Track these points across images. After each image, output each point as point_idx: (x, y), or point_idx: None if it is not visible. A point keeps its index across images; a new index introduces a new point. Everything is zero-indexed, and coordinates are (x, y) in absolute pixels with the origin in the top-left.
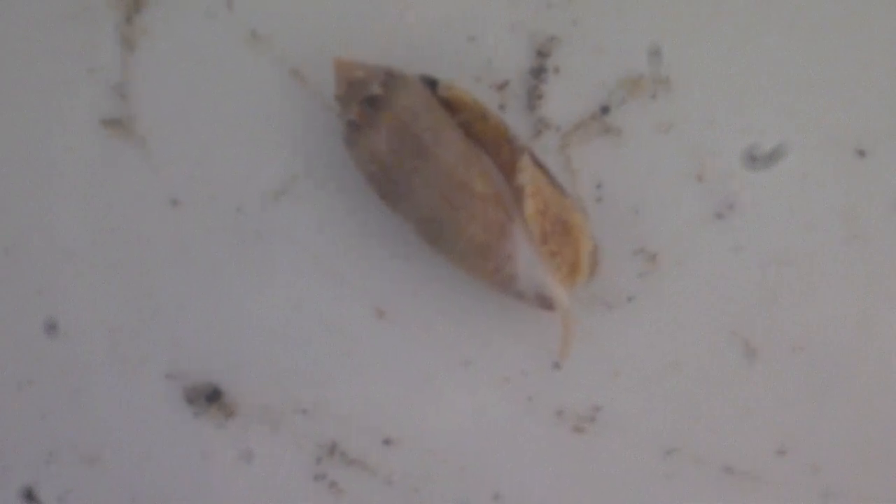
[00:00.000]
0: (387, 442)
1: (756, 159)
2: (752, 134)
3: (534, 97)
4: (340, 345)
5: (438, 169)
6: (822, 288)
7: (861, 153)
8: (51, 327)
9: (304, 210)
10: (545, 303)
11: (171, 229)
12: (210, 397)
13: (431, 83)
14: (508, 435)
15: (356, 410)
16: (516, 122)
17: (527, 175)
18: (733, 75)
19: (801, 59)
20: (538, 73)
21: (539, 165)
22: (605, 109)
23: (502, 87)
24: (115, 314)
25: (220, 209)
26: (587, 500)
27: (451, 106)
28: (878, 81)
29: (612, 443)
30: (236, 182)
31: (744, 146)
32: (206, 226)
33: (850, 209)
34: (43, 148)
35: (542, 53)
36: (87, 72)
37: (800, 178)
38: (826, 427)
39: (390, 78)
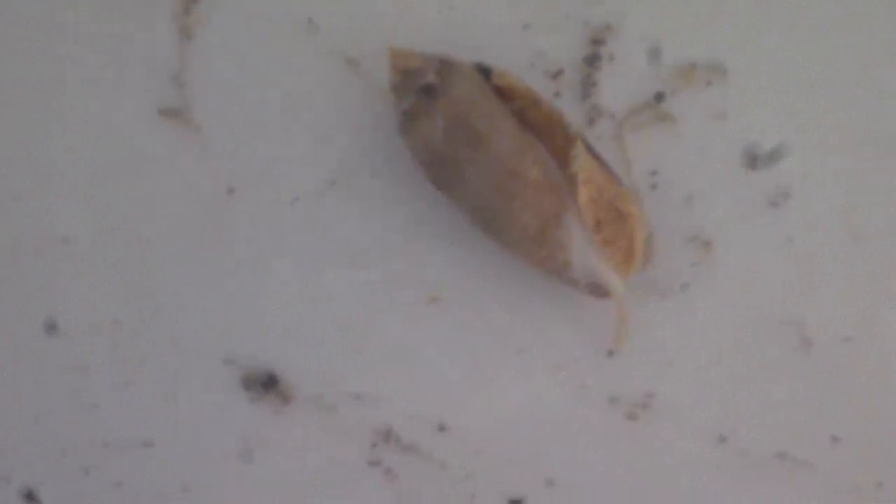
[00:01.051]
0: (441, 428)
1: (757, 159)
2: (752, 134)
3: (588, 85)
4: (395, 331)
5: (492, 157)
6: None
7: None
8: (51, 327)
9: (359, 199)
10: (599, 291)
11: (227, 217)
12: (266, 384)
13: (486, 71)
14: (562, 422)
15: (411, 397)
16: (570, 110)
17: (580, 163)
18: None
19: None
20: (592, 61)
21: (593, 153)
22: (659, 97)
23: (556, 75)
24: (169, 302)
25: (276, 198)
26: (640, 487)
27: (505, 94)
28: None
29: (664, 430)
30: (291, 171)
31: (744, 146)
32: (262, 214)
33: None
34: (102, 136)
35: (596, 41)
36: (144, 61)
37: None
38: (879, 416)
39: (445, 66)
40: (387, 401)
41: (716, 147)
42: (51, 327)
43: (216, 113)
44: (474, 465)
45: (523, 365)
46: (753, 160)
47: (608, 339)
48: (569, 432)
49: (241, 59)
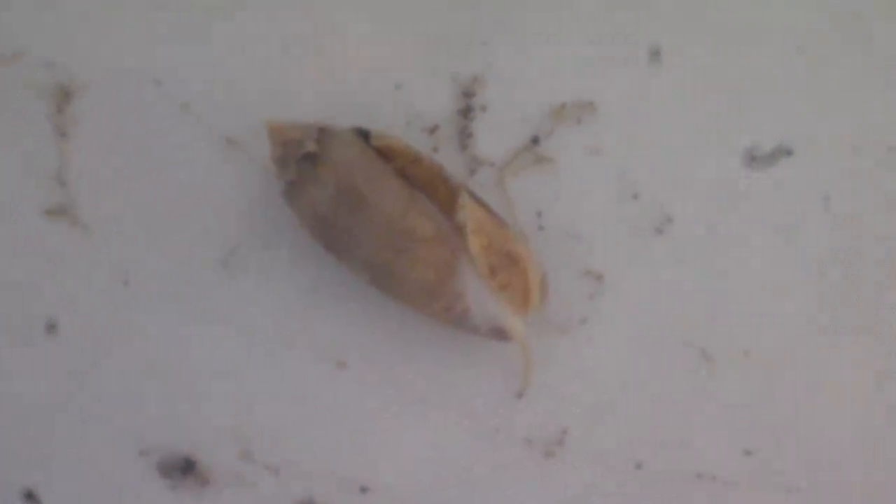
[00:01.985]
0: (363, 490)
1: (756, 159)
2: (752, 134)
3: (464, 136)
4: (306, 401)
5: (380, 217)
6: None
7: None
8: (51, 327)
9: (255, 274)
10: (501, 334)
11: (124, 308)
12: (184, 469)
13: (364, 134)
14: (482, 468)
15: (330, 463)
16: (451, 162)
17: (467, 212)
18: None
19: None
20: (466, 112)
21: (478, 201)
22: (535, 140)
23: (433, 130)
24: (79, 396)
25: (171, 283)
26: None
27: (385, 154)
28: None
29: (583, 462)
30: (184, 255)
31: (744, 146)
32: (159, 301)
33: None
34: None
35: (467, 94)
36: (22, 164)
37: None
38: (786, 424)
39: (323, 134)
40: (306, 470)
41: (595, 181)
42: (51, 327)
43: (102, 206)
44: None
45: (436, 417)
46: (633, 191)
47: (515, 381)
48: (491, 478)
49: (120, 151)
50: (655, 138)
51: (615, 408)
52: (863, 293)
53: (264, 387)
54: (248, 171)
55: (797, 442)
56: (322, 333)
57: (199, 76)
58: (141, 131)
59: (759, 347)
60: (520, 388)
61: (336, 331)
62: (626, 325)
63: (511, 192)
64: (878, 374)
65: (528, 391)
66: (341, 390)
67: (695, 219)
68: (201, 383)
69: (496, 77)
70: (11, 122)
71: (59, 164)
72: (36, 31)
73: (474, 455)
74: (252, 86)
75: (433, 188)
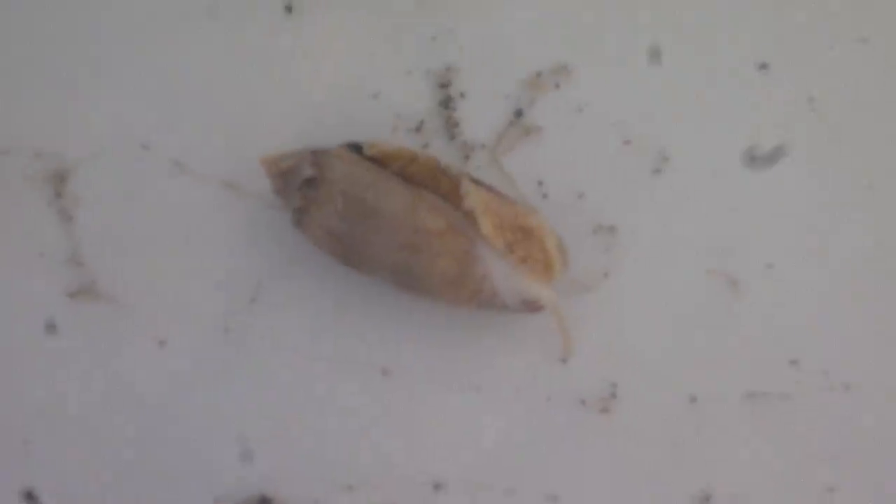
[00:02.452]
0: (437, 487)
1: (756, 159)
2: (752, 134)
3: (451, 126)
4: (359, 413)
5: (390, 221)
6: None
7: None
8: (51, 327)
9: (285, 303)
10: (532, 306)
11: (162, 370)
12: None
13: (356, 147)
14: (544, 437)
15: (398, 468)
16: (444, 154)
17: (472, 198)
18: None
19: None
20: (446, 103)
21: (480, 185)
22: (518, 113)
23: (419, 128)
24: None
25: (207, 335)
26: (633, 470)
27: (381, 161)
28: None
29: (639, 410)
30: (213, 306)
31: (744, 146)
32: (197, 356)
33: None
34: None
35: (443, 84)
36: (37, 255)
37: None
38: (824, 326)
39: (317, 156)
40: (377, 481)
41: (585, 137)
42: (51, 327)
43: (122, 277)
44: None
45: (490, 401)
46: (626, 138)
47: (556, 348)
48: (555, 445)
49: (127, 221)
50: (635, 84)
51: (656, 350)
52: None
53: (318, 407)
54: (255, 210)
55: (839, 338)
56: (360, 345)
57: (182, 128)
58: (141, 196)
59: (781, 259)
60: (562, 353)
61: (373, 340)
62: (647, 269)
63: (508, 169)
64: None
65: (570, 354)
66: (392, 396)
67: (691, 152)
68: (263, 423)
69: (469, 61)
70: (16, 214)
71: (71, 247)
72: (19, 124)
73: (534, 427)
74: (235, 127)
75: (435, 183)
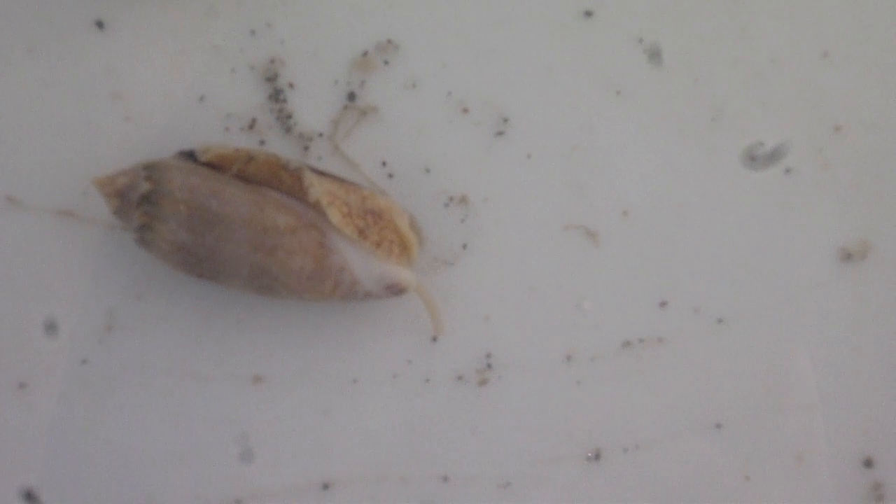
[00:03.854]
0: (325, 487)
1: (756, 159)
2: (752, 134)
3: (284, 118)
4: (236, 424)
5: (238, 225)
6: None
7: None
8: (51, 327)
9: (141, 328)
10: (396, 289)
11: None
12: None
13: (190, 155)
14: (429, 420)
15: (290, 476)
16: (282, 148)
17: (316, 189)
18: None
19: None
20: (276, 96)
21: (323, 174)
22: (351, 96)
23: (252, 125)
24: None
25: (66, 373)
26: (519, 439)
27: (218, 166)
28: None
29: (517, 376)
30: (67, 336)
31: (744, 146)
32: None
33: None
34: None
35: (269, 78)
36: None
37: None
38: (697, 264)
39: (151, 169)
40: (274, 487)
41: (423, 111)
42: (51, 327)
43: None
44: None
45: (369, 392)
46: (462, 109)
47: (427, 328)
48: (440, 427)
49: None
50: (466, 51)
51: (526, 314)
52: None
53: (191, 424)
54: (96, 235)
55: (705, 275)
56: (229, 356)
57: (11, 166)
58: None
59: (635, 204)
60: (433, 331)
61: (242, 349)
62: (504, 234)
63: (350, 154)
64: None
65: (441, 331)
66: (268, 402)
67: (530, 111)
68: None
69: (292, 51)
70: None
71: None
72: None
73: (416, 411)
74: (64, 153)
75: (277, 179)
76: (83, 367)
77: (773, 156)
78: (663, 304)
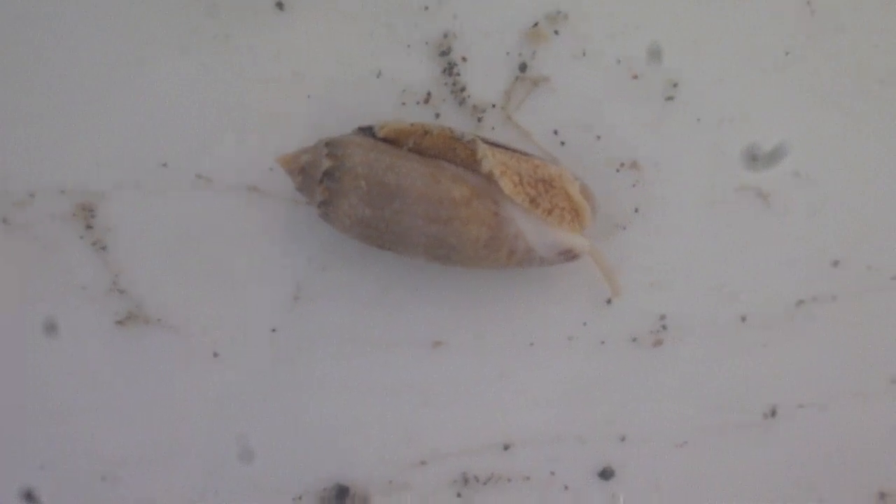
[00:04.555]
0: (507, 447)
1: (756, 159)
2: (752, 134)
3: (458, 91)
4: (415, 386)
5: (416, 197)
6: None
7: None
8: (51, 327)
9: (326, 298)
10: (569, 255)
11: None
12: (339, 495)
13: (368, 130)
14: (608, 380)
15: (472, 437)
16: (456, 121)
17: (489, 160)
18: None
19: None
20: (450, 69)
21: (495, 145)
22: (523, 67)
23: (427, 99)
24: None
25: (257, 341)
26: (697, 398)
27: (394, 140)
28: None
29: (692, 336)
30: (257, 311)
31: (744, 146)
32: (246, 373)
33: None
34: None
35: (443, 53)
36: (80, 289)
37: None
38: (871, 222)
39: (332, 146)
40: (452, 454)
41: (593, 80)
42: (51, 327)
43: (168, 298)
44: (554, 459)
45: (546, 355)
46: (631, 75)
47: (602, 291)
48: (616, 388)
49: (162, 242)
50: (637, 18)
51: (699, 275)
52: None
53: (376, 390)
54: (282, 210)
55: (879, 234)
56: (409, 324)
57: (198, 146)
58: (170, 215)
59: (806, 165)
60: (611, 293)
61: (421, 317)
62: (675, 196)
63: (522, 124)
64: None
65: (618, 294)
66: (448, 367)
67: (701, 74)
68: (346, 412)
69: (464, 25)
70: (51, 254)
71: (110, 276)
72: (37, 167)
73: (593, 373)
74: (248, 133)
75: (452, 152)
76: (273, 336)
77: None
78: (836, 262)
